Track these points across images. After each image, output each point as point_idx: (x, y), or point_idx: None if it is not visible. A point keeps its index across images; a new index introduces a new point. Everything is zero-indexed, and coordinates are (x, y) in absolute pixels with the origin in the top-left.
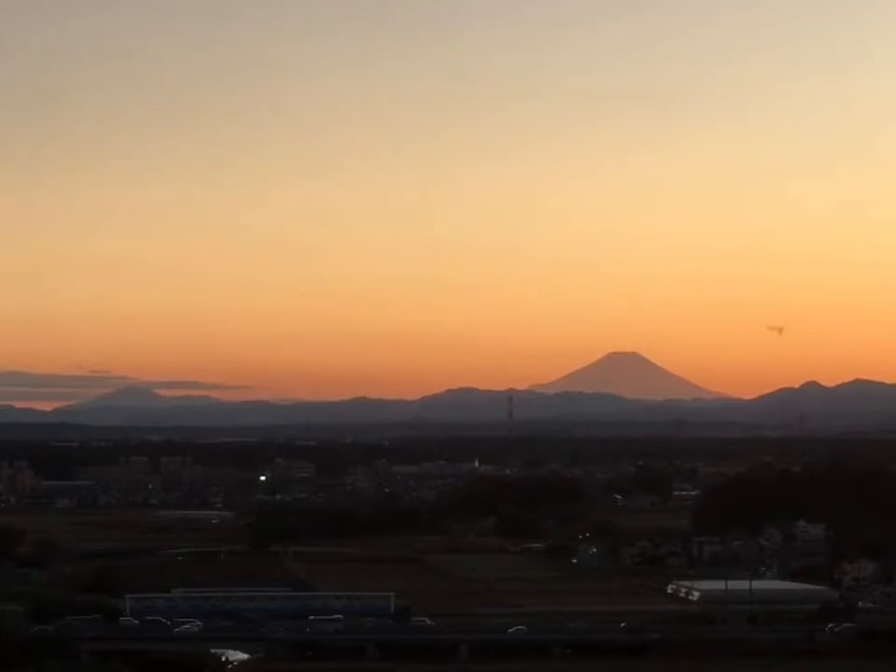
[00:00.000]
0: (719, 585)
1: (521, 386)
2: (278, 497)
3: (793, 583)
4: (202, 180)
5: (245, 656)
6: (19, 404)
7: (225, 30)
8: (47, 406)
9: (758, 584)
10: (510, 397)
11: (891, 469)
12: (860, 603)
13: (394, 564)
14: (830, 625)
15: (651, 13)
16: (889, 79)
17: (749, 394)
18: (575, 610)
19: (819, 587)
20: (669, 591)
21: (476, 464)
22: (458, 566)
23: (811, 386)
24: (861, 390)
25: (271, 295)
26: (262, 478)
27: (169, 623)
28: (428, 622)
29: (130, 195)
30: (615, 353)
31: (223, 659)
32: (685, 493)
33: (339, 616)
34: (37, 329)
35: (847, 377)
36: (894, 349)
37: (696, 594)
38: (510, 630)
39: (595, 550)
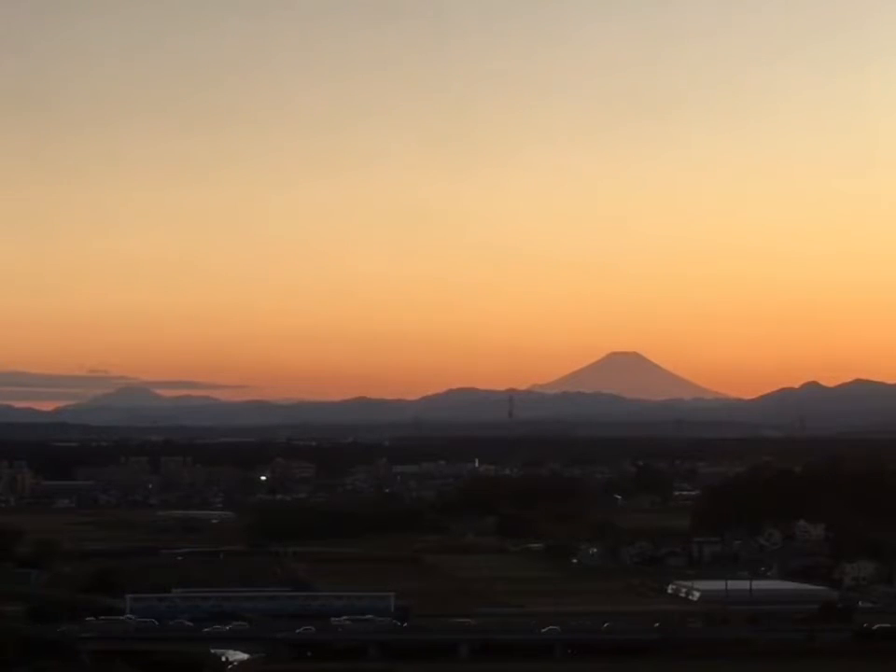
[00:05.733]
0: (719, 585)
1: (521, 386)
2: (278, 496)
3: (793, 583)
4: (202, 180)
5: (245, 656)
6: (18, 404)
7: (228, 30)
8: (47, 406)
9: (758, 584)
10: (510, 397)
11: (891, 468)
12: (860, 603)
13: (394, 564)
14: (864, 625)
15: (667, 17)
16: (889, 82)
17: (749, 394)
18: (575, 610)
19: (818, 587)
20: (669, 591)
21: (476, 464)
22: (458, 566)
23: (811, 386)
24: (862, 390)
25: (270, 295)
26: (262, 478)
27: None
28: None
29: (130, 195)
30: (615, 353)
31: (223, 659)
32: (685, 493)
33: (371, 616)
34: (37, 329)
35: (848, 377)
36: (895, 349)
37: (696, 594)
38: (543, 630)
39: (595, 550)
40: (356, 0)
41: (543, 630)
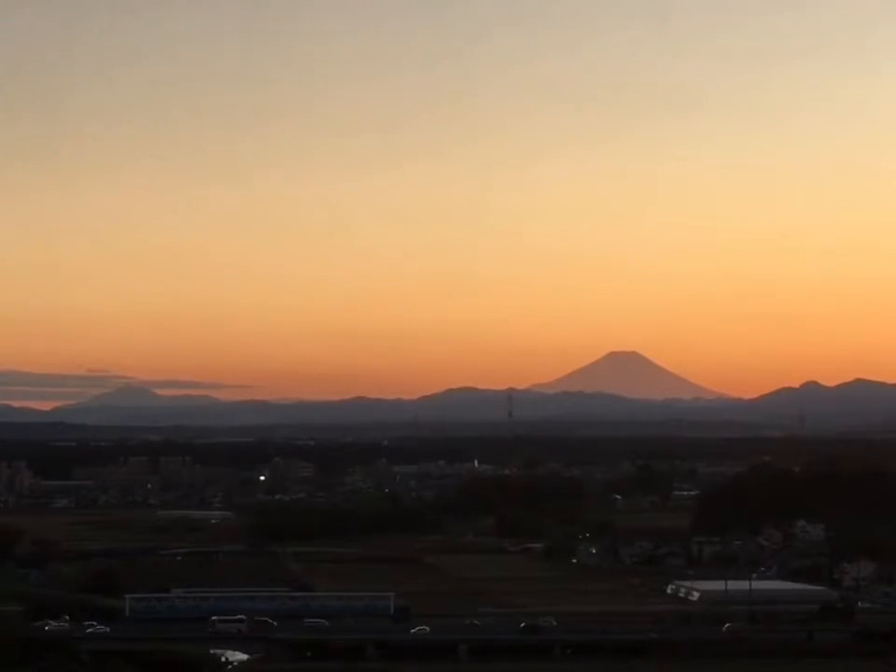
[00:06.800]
0: (719, 585)
1: (521, 386)
2: (278, 497)
3: (793, 583)
4: (202, 179)
5: (245, 656)
6: (17, 404)
7: (237, 31)
8: (45, 406)
9: (758, 584)
10: (509, 396)
11: (891, 468)
12: (859, 603)
13: (394, 564)
14: None
15: (670, 18)
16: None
17: (749, 394)
18: (573, 610)
19: (818, 587)
20: (669, 591)
21: (476, 464)
22: (458, 566)
23: (811, 386)
24: (862, 390)
25: (271, 295)
26: (262, 478)
27: None
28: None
29: (131, 195)
30: (615, 352)
31: (223, 659)
32: (685, 493)
33: (242, 616)
34: (37, 328)
35: (848, 377)
36: (895, 349)
37: (696, 594)
38: (412, 631)
39: (595, 550)
40: (371, 3)
41: (413, 630)
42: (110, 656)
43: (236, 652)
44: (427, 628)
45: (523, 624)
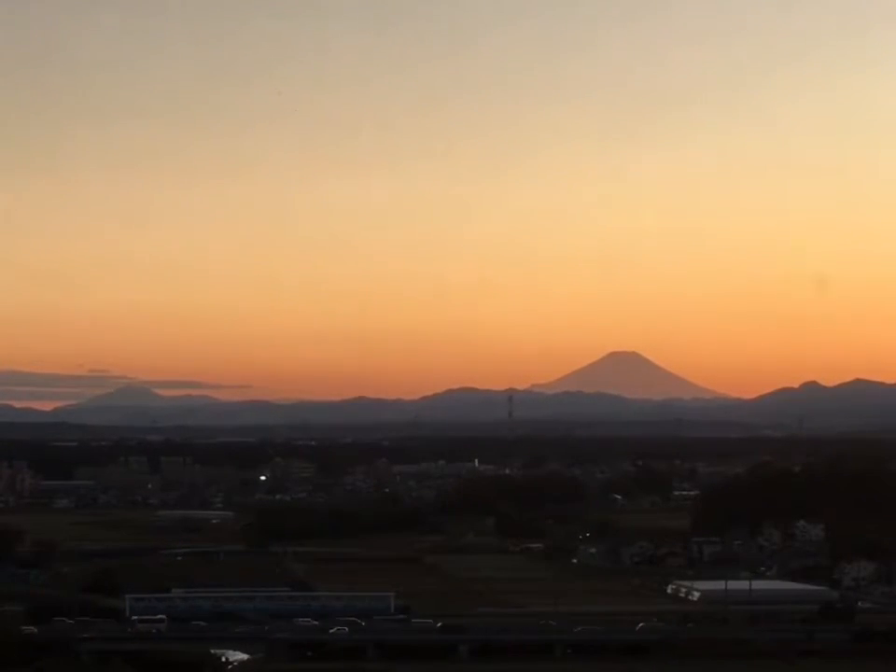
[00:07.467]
0: (719, 585)
1: (521, 386)
2: (278, 497)
3: (793, 583)
4: (202, 179)
5: (245, 656)
6: (18, 404)
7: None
8: (46, 406)
9: (758, 584)
10: (510, 396)
11: (891, 468)
12: (859, 603)
13: (394, 564)
14: None
15: (665, 17)
16: (890, 84)
17: (749, 394)
18: (574, 611)
19: (818, 587)
20: (669, 591)
21: (476, 464)
22: (458, 566)
23: (811, 386)
24: (861, 390)
25: (270, 295)
26: (262, 478)
27: None
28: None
29: (131, 195)
30: (615, 352)
31: (223, 659)
32: (685, 493)
33: (162, 616)
34: (37, 329)
35: (847, 377)
36: (894, 349)
37: (696, 594)
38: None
39: (594, 550)
40: (372, 3)
41: (332, 630)
42: (110, 656)
43: (236, 652)
44: (346, 629)
45: (440, 625)
